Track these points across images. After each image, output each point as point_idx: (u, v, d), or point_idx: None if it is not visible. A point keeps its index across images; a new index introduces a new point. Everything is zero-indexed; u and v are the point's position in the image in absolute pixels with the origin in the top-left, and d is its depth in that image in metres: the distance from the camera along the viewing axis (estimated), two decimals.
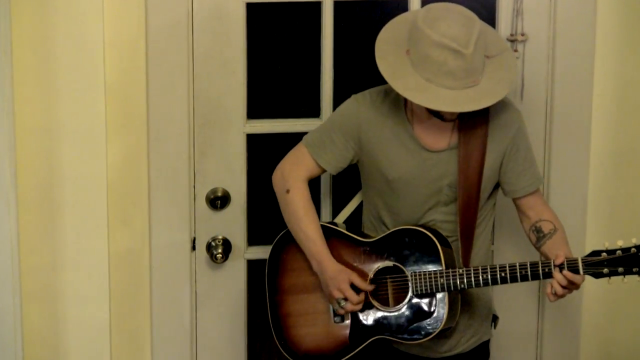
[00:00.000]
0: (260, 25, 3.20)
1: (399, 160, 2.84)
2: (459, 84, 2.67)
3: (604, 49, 3.20)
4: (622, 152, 3.28)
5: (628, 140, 3.27)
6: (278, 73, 3.28)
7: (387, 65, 2.71)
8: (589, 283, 3.22)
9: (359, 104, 2.88)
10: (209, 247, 3.25)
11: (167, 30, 3.09)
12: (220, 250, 3.23)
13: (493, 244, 3.29)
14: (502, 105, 2.84)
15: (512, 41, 3.19)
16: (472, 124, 2.80)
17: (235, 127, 3.20)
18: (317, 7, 3.17)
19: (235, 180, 3.23)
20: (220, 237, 3.24)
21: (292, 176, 2.90)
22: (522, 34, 3.19)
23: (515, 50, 3.18)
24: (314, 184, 3.06)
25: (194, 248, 3.26)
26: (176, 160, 3.17)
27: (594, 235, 3.23)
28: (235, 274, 3.28)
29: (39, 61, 2.97)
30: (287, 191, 2.89)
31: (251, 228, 3.30)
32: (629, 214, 3.31)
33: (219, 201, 3.23)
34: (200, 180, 3.21)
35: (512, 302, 3.35)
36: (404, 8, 3.16)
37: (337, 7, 3.17)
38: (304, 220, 2.87)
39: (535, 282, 3.32)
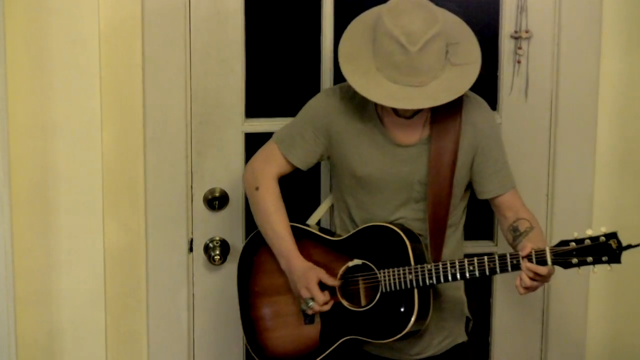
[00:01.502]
0: (259, 22, 3.19)
1: (368, 155, 2.84)
2: (403, 79, 2.68)
3: (610, 46, 3.19)
4: (629, 151, 3.27)
5: (635, 139, 3.27)
6: (277, 71, 3.27)
7: (350, 46, 2.76)
8: (595, 288, 3.29)
9: (329, 98, 2.89)
10: (206, 249, 3.23)
11: (164, 27, 3.08)
12: (218, 252, 3.21)
13: (496, 245, 3.30)
14: (477, 105, 2.85)
15: (516, 38, 3.18)
16: (445, 120, 2.80)
17: (234, 126, 3.18)
18: (317, 4, 3.16)
19: (233, 181, 3.21)
20: (218, 239, 3.22)
21: (262, 174, 2.91)
22: (526, 31, 3.17)
23: (519, 48, 3.18)
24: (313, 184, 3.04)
25: (191, 249, 3.24)
26: (173, 160, 3.16)
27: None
28: (233, 276, 3.20)
29: (33, 57, 2.96)
30: (257, 189, 2.91)
31: (249, 229, 3.25)
32: (635, 215, 3.29)
33: (216, 202, 3.21)
34: (197, 180, 3.20)
35: (514, 307, 3.35)
36: None
37: (337, 4, 3.16)
38: (273, 218, 2.88)
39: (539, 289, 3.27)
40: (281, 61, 3.26)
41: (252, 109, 3.21)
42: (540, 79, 3.21)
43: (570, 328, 3.36)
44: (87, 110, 3.00)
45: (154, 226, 3.17)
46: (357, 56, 2.73)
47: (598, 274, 3.22)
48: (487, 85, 3.21)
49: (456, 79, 2.72)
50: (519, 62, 3.18)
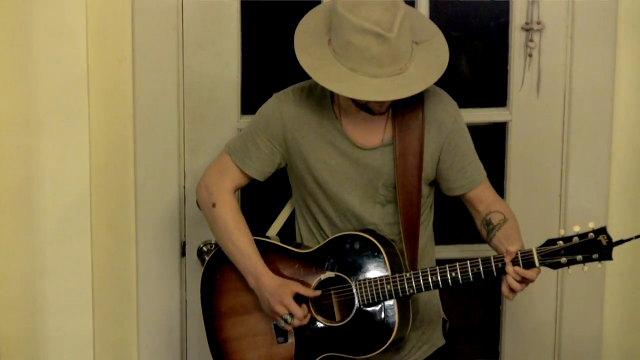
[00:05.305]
0: (255, 14, 3.15)
1: (328, 160, 2.79)
2: (384, 71, 2.61)
3: (626, 38, 3.15)
4: None
5: None
6: (274, 65, 3.23)
7: (308, 57, 2.68)
8: (611, 290, 3.30)
9: (281, 102, 2.83)
10: (200, 252, 3.19)
11: (155, 18, 3.06)
12: None
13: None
14: (437, 98, 2.80)
15: (527, 30, 3.15)
16: (407, 118, 2.76)
17: (229, 123, 3.14)
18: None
19: None
20: (212, 242, 3.16)
21: (217, 188, 2.85)
22: (538, 23, 3.13)
23: (531, 41, 3.16)
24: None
25: (183, 253, 3.21)
26: (165, 159, 3.14)
27: (617, 235, 3.13)
28: None
29: (17, 51, 2.93)
30: (214, 205, 2.85)
31: None
32: None
33: None
34: (190, 180, 3.16)
35: (528, 306, 3.32)
36: (409, 3, 3.09)
37: None
38: (235, 234, 2.81)
39: (552, 282, 3.28)
40: (279, 55, 3.20)
41: (248, 106, 3.15)
42: (553, 73, 3.17)
43: (585, 335, 3.33)
44: (74, 106, 2.97)
45: (144, 229, 3.15)
46: (320, 66, 2.66)
47: (615, 279, 3.15)
48: (496, 80, 3.20)
49: (429, 57, 2.67)
50: (530, 55, 3.14)
